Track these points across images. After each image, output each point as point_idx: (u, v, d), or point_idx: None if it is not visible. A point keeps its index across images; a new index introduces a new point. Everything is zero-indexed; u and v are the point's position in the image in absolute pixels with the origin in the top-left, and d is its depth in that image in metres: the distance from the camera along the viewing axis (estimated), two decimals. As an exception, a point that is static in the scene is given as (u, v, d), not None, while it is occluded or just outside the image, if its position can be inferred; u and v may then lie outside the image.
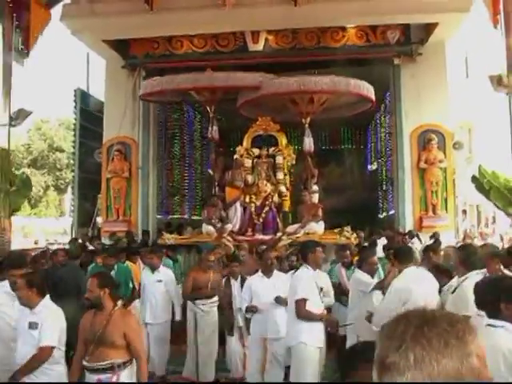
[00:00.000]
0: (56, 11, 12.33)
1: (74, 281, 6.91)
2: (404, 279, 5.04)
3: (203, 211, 11.64)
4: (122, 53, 13.85)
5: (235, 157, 11.37)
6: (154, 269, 7.40)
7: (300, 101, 10.70)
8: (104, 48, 13.49)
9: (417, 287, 4.86)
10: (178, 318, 7.39)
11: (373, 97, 10.82)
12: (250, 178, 11.10)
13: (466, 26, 13.02)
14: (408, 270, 5.15)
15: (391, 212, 16.86)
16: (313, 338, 5.29)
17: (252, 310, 6.18)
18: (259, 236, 10.38)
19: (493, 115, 19.33)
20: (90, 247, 10.99)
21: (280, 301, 6.05)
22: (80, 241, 12.63)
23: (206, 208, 11.31)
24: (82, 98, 15.48)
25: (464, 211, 17.84)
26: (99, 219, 15.71)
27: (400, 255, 5.44)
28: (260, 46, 13.13)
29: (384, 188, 18.65)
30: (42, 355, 4.24)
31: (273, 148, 11.45)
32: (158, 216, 15.22)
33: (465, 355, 1.12)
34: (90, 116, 15.68)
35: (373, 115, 19.37)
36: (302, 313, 5.29)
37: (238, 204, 10.77)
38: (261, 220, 10.62)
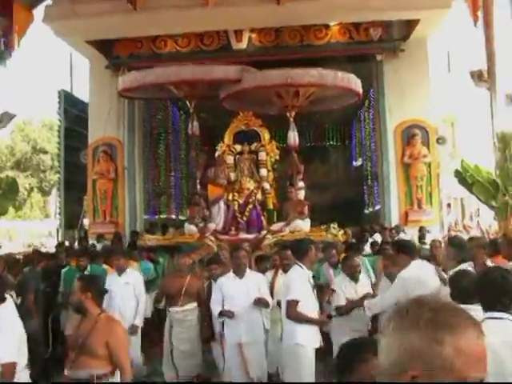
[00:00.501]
0: (38, 12, 12.33)
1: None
2: (412, 271, 5.01)
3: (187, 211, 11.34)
4: (105, 53, 13.81)
5: (217, 154, 11.17)
6: (120, 271, 6.92)
7: (285, 94, 10.36)
8: (87, 48, 13.44)
9: (425, 279, 4.89)
10: (137, 323, 6.85)
11: (360, 90, 10.61)
12: (232, 175, 10.86)
13: (447, 21, 13.17)
14: (415, 262, 5.14)
15: (377, 207, 17.00)
16: (309, 338, 5.20)
17: (228, 315, 5.78)
18: (243, 235, 10.01)
19: (474, 109, 19.57)
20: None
21: (260, 303, 5.79)
22: (67, 243, 12.62)
23: (189, 207, 11.08)
24: (66, 99, 15.40)
25: (448, 205, 18.02)
26: (86, 221, 15.67)
27: (406, 248, 5.38)
28: (244, 45, 13.15)
29: (369, 183, 18.76)
30: (5, 374, 3.87)
31: (255, 144, 11.20)
32: (146, 217, 15.20)
33: (434, 341, 1.20)
34: (74, 117, 15.61)
35: (357, 111, 19.51)
36: (293, 314, 5.17)
37: (221, 202, 10.47)
38: (244, 218, 10.31)
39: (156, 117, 17.09)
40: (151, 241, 10.20)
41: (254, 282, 5.91)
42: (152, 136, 16.49)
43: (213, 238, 9.72)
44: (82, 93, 15.97)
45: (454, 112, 21.68)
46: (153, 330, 7.71)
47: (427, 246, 9.83)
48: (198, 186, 11.00)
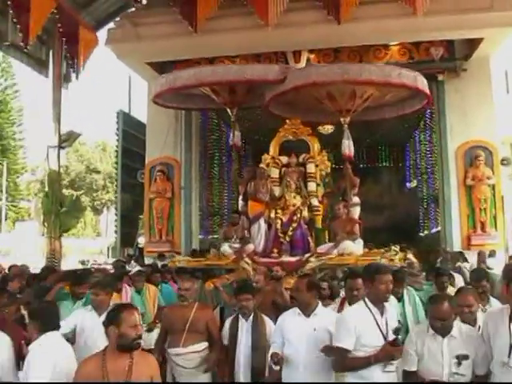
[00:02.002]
0: (100, 35, 12.69)
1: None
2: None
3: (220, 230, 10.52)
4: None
5: (260, 166, 9.89)
6: (101, 309, 4.87)
7: (339, 95, 9.08)
8: (147, 70, 13.69)
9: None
10: None
11: (428, 91, 9.33)
12: (277, 190, 9.55)
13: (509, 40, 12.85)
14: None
15: (433, 230, 16.58)
16: None
17: (275, 361, 4.32)
18: (286, 258, 8.70)
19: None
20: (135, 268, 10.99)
21: (329, 352, 4.07)
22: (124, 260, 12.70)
23: (224, 226, 10.37)
24: (124, 119, 15.70)
25: (514, 229, 17.40)
26: (140, 240, 15.83)
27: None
28: (302, 65, 13.07)
29: (425, 205, 18.36)
30: None
31: (303, 155, 9.87)
32: (199, 236, 15.24)
33: None
34: (130, 137, 15.89)
35: (411, 132, 19.22)
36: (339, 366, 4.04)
37: (261, 220, 9.24)
38: (287, 238, 8.97)
39: (211, 137, 17.21)
40: (181, 262, 9.26)
41: (324, 323, 4.31)
42: (207, 156, 16.61)
43: (249, 261, 8.50)
44: (139, 113, 16.27)
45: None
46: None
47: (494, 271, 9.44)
48: (241, 203, 9.89)
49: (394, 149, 22.67)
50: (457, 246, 12.60)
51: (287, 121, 10.08)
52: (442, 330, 3.78)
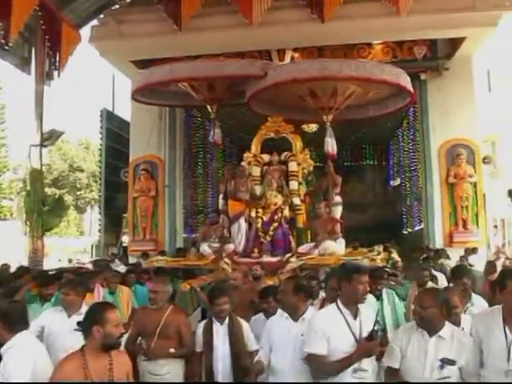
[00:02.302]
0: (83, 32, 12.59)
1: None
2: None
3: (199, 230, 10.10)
4: (148, 73, 13.93)
5: (242, 164, 9.81)
6: (70, 310, 4.64)
7: (321, 93, 8.87)
8: (130, 68, 13.59)
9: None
10: None
11: (411, 88, 9.23)
12: (258, 189, 9.39)
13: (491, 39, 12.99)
14: None
15: (417, 228, 16.71)
16: None
17: (258, 371, 4.08)
18: (266, 258, 8.50)
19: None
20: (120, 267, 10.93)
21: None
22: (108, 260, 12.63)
23: (203, 226, 9.95)
24: (108, 118, 15.61)
25: (495, 226, 17.61)
26: (124, 238, 15.76)
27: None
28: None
29: (409, 203, 18.50)
30: None
31: (285, 153, 9.71)
32: (184, 235, 15.20)
33: None
34: (115, 136, 15.81)
35: (395, 131, 19.35)
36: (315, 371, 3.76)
37: (241, 220, 9.06)
38: (268, 238, 8.76)
39: (195, 135, 17.17)
40: (159, 262, 8.94)
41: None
42: (191, 154, 16.57)
43: (229, 261, 8.27)
44: (123, 112, 16.18)
45: (494, 131, 21.29)
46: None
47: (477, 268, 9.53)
48: (221, 202, 9.72)
49: (378, 147, 22.78)
50: (439, 243, 12.71)
51: (269, 118, 9.94)
52: (422, 322, 3.48)
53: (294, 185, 9.42)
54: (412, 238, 17.10)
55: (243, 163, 9.71)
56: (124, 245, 15.71)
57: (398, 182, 20.93)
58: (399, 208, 19.97)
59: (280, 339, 4.03)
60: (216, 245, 8.88)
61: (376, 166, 23.00)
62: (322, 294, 5.62)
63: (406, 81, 8.94)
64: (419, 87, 13.33)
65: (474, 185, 12.86)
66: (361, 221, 18.81)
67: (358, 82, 8.70)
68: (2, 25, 9.39)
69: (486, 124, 20.33)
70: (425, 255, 10.71)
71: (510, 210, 12.35)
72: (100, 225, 15.79)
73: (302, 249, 8.56)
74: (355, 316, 3.64)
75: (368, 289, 3.77)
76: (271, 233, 8.77)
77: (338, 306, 3.67)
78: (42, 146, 11.23)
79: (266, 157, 9.70)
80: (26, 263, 11.15)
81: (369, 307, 4.01)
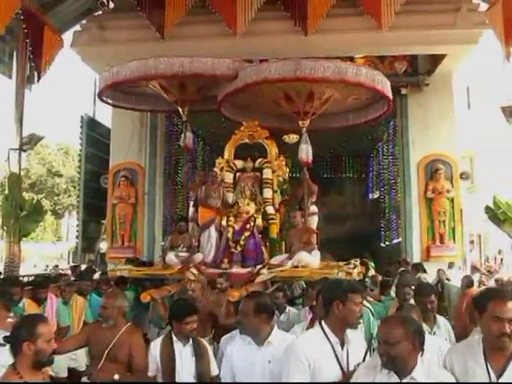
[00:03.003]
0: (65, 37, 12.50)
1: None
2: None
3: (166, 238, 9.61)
4: (130, 79, 13.88)
5: (214, 169, 9.47)
6: None
7: (296, 96, 8.58)
8: (112, 74, 13.51)
9: None
10: None
11: (389, 94, 8.95)
12: (230, 197, 9.07)
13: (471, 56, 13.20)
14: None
15: (394, 241, 16.82)
16: None
17: None
18: (237, 269, 8.13)
19: (497, 145, 19.49)
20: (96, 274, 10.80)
21: None
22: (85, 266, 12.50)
23: (171, 234, 9.56)
24: (88, 123, 15.48)
25: (471, 241, 17.82)
26: (102, 245, 15.60)
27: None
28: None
29: (387, 217, 18.62)
30: None
31: (260, 159, 9.39)
32: (162, 243, 15.09)
33: None
34: (94, 142, 15.67)
35: (375, 144, 19.50)
36: None
37: (211, 228, 8.75)
38: (239, 248, 8.38)
39: (175, 143, 17.11)
40: (123, 271, 8.48)
41: (281, 352, 3.26)
42: (171, 162, 16.50)
43: (196, 271, 7.69)
44: (104, 117, 16.06)
45: (472, 147, 21.60)
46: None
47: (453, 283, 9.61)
48: (191, 209, 9.32)
49: (358, 160, 22.91)
50: (416, 257, 12.81)
51: (243, 123, 9.71)
52: (389, 361, 2.67)
53: (267, 193, 9.14)
54: (389, 251, 17.21)
55: (215, 169, 9.44)
56: (101, 251, 15.55)
57: (376, 194, 21.06)
58: (377, 221, 20.08)
59: (244, 368, 3.47)
60: (183, 254, 8.51)
61: (355, 178, 23.12)
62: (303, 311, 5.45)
63: (382, 84, 8.64)
64: (400, 102, 13.51)
65: (452, 200, 12.99)
66: (338, 232, 18.89)
67: (333, 83, 8.36)
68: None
69: (465, 140, 20.66)
70: (402, 269, 10.75)
71: (487, 225, 12.44)
72: (78, 231, 15.61)
73: (275, 260, 8.17)
74: (342, 344, 3.09)
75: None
76: (242, 242, 8.40)
77: (323, 330, 3.09)
78: (21, 150, 11.10)
79: (239, 163, 9.46)
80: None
81: (356, 334, 3.36)
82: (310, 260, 7.99)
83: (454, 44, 11.66)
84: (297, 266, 7.84)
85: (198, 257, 8.44)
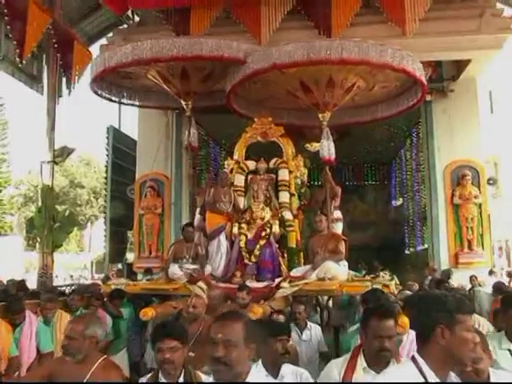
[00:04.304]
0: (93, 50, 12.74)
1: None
2: None
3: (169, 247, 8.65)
4: (155, 91, 14.04)
5: (224, 170, 8.54)
6: None
7: (313, 85, 7.47)
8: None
9: None
10: None
11: (423, 77, 7.79)
12: (241, 201, 8.06)
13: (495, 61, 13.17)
14: None
15: (419, 248, 16.73)
16: None
17: None
18: (251, 283, 7.01)
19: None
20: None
21: None
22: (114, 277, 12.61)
23: (175, 243, 8.56)
24: (114, 135, 15.70)
25: (500, 248, 17.66)
26: (129, 255, 15.77)
27: None
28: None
29: (411, 223, 18.53)
30: None
31: (275, 160, 8.38)
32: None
33: None
34: (120, 153, 15.89)
35: (397, 151, 19.46)
36: None
37: (221, 237, 7.70)
38: (253, 259, 7.39)
39: (199, 153, 17.25)
40: (119, 286, 7.47)
41: None
42: (195, 172, 16.63)
43: (204, 286, 6.60)
44: (129, 129, 16.29)
45: (496, 152, 21.47)
46: None
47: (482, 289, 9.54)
48: (197, 217, 8.23)
49: (380, 167, 22.87)
50: (444, 263, 12.71)
51: (255, 119, 8.63)
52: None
53: (284, 196, 8.11)
54: (414, 259, 17.11)
55: (224, 170, 8.50)
56: (128, 261, 15.70)
57: (400, 201, 20.97)
58: (401, 228, 19.98)
59: None
60: (189, 266, 7.39)
61: (378, 185, 23.06)
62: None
63: (413, 65, 7.52)
64: (424, 108, 13.47)
65: (479, 206, 12.89)
66: (362, 240, 18.81)
67: (354, 67, 7.27)
68: (16, 42, 9.52)
69: (489, 145, 20.56)
70: (430, 278, 10.61)
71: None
72: (105, 241, 15.79)
73: (296, 271, 7.14)
74: None
75: None
76: (257, 253, 7.41)
77: (419, 368, 1.97)
78: (53, 162, 11.28)
79: (251, 164, 8.46)
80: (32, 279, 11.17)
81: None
82: (339, 271, 6.84)
83: (478, 49, 11.62)
84: (323, 278, 6.71)
85: (207, 269, 7.48)
